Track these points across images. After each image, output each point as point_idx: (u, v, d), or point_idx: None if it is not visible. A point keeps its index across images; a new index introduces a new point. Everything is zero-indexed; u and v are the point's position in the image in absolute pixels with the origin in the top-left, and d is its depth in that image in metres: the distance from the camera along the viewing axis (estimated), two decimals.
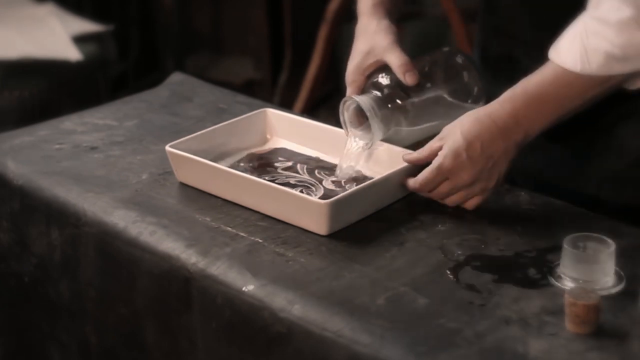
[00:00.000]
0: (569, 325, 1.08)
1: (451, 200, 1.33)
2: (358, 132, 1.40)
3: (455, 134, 1.29)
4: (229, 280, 1.21)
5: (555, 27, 1.28)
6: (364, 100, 1.37)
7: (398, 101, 1.38)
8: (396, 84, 1.39)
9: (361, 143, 1.40)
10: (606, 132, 1.39)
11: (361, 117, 1.39)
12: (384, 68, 1.41)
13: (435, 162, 1.30)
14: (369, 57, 1.41)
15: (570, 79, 1.26)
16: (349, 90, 1.43)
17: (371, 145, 1.39)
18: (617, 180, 1.39)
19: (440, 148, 1.30)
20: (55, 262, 1.45)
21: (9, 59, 2.82)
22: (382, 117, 1.37)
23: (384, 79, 1.40)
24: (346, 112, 1.40)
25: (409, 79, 1.37)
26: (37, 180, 1.47)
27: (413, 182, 1.33)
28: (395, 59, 1.38)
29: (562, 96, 1.28)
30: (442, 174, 1.30)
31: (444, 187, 1.31)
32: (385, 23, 1.43)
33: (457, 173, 1.29)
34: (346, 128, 1.41)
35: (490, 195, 1.33)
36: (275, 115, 1.55)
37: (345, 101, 1.40)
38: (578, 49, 1.24)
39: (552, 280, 1.17)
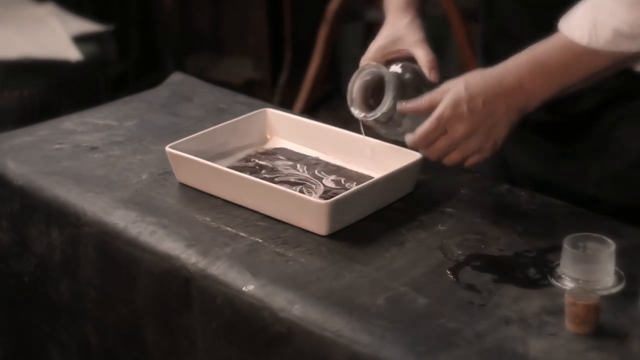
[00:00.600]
0: (569, 325, 1.08)
1: (449, 159, 1.30)
2: (360, 106, 1.37)
3: (458, 86, 1.28)
4: (229, 280, 1.21)
5: (555, 27, 1.28)
6: (387, 72, 1.34)
7: (415, 91, 1.35)
8: (416, 76, 1.36)
9: (360, 115, 1.36)
10: (606, 133, 1.39)
11: (367, 94, 1.37)
12: (405, 61, 1.38)
13: (435, 113, 1.28)
14: (396, 44, 1.39)
15: (576, 52, 1.25)
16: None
17: (372, 117, 1.35)
18: (617, 180, 1.39)
19: (440, 100, 1.28)
20: (55, 262, 1.45)
21: (9, 59, 2.82)
22: (396, 94, 1.33)
23: (405, 69, 1.37)
24: (359, 80, 1.37)
25: (433, 76, 1.35)
26: (37, 180, 1.47)
27: (412, 137, 1.31)
28: (424, 53, 1.37)
29: (566, 68, 1.27)
30: (441, 126, 1.28)
31: (441, 142, 1.29)
32: (418, 22, 1.42)
33: (455, 125, 1.27)
34: (351, 98, 1.37)
35: (486, 156, 1.30)
36: (275, 115, 1.55)
37: (364, 69, 1.36)
38: (587, 23, 1.23)
39: (552, 280, 1.17)
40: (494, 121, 1.27)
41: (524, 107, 1.28)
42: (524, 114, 1.29)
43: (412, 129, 1.33)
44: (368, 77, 1.36)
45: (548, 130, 1.42)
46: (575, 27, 1.25)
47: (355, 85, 1.37)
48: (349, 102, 1.37)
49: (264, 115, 1.55)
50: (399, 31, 1.41)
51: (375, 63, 1.36)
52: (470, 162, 1.31)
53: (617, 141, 1.38)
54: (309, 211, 1.28)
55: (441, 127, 1.28)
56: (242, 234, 1.30)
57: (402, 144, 1.41)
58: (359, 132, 1.42)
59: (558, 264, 1.18)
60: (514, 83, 1.27)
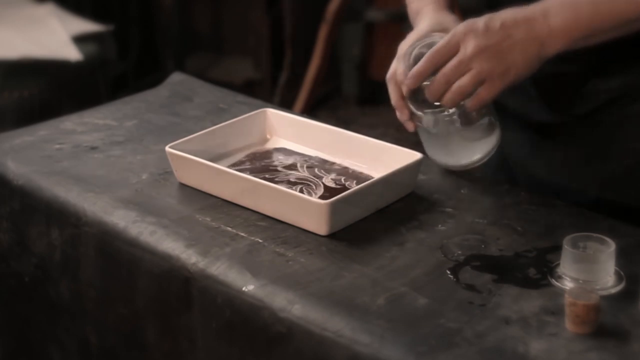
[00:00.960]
0: (569, 325, 1.08)
1: (458, 85, 1.24)
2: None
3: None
4: (229, 280, 1.21)
5: None
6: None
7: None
8: None
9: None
10: (609, 134, 1.39)
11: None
12: None
13: (451, 31, 1.24)
14: (442, 28, 1.33)
15: (620, 2, 1.22)
16: (397, 64, 1.34)
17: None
18: (619, 182, 1.39)
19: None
20: (55, 262, 1.45)
21: (9, 59, 2.82)
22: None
23: None
24: (417, 50, 1.30)
25: None
26: (37, 180, 1.47)
27: (424, 58, 1.26)
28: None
29: (597, 10, 1.23)
30: (454, 42, 1.23)
31: (452, 62, 1.24)
32: (453, 16, 1.37)
33: (468, 41, 1.22)
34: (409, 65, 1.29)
35: (498, 87, 1.24)
36: (275, 115, 1.55)
37: (426, 38, 1.31)
38: None
39: (552, 280, 1.17)
40: (510, 45, 1.22)
41: (545, 41, 1.23)
42: (543, 58, 1.23)
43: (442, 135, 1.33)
44: (425, 50, 1.29)
45: (550, 131, 1.42)
46: None
47: (413, 54, 1.31)
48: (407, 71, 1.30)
49: (264, 115, 1.55)
50: (441, 19, 1.35)
51: (439, 34, 1.29)
52: (480, 96, 1.25)
53: (619, 142, 1.38)
54: (309, 211, 1.28)
55: (454, 43, 1.24)
56: (242, 234, 1.30)
57: (404, 143, 1.41)
58: (361, 130, 1.44)
59: (558, 264, 1.18)
60: (539, 12, 1.23)
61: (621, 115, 1.37)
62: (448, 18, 1.36)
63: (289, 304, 1.15)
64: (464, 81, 1.24)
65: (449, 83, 1.25)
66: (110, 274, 1.37)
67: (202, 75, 2.02)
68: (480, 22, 1.24)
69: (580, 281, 1.15)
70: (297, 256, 1.24)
